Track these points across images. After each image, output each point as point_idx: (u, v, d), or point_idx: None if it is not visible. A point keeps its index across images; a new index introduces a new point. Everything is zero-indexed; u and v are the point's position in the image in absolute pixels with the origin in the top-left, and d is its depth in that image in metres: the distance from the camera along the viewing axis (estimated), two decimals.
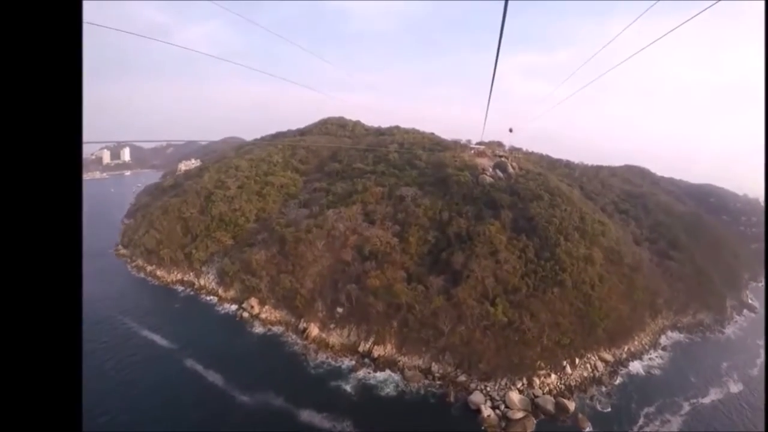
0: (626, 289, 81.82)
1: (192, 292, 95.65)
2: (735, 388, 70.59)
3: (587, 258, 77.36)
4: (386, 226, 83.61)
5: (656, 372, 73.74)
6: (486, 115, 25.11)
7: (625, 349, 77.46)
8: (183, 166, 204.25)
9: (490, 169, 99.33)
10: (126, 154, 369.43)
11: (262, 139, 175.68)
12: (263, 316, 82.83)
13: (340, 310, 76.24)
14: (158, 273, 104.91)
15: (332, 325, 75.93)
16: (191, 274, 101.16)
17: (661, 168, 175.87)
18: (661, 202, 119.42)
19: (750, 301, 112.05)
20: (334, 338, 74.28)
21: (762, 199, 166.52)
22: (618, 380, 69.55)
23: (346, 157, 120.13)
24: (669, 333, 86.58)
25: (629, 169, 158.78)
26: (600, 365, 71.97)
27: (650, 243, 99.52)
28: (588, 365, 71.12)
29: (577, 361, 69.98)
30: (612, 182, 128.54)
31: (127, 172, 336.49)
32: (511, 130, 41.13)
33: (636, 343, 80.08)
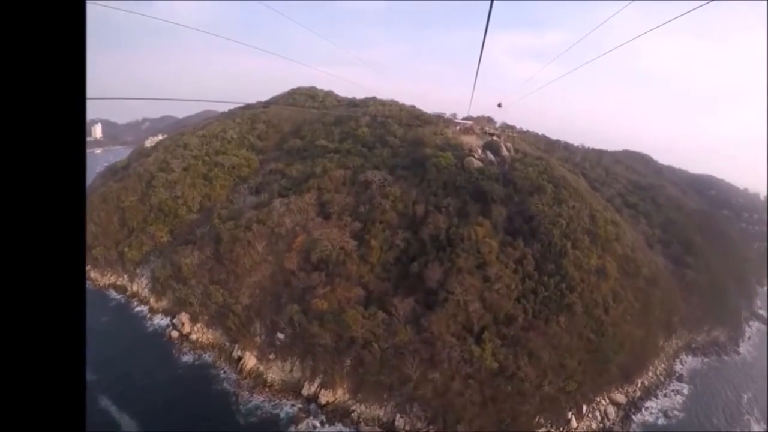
0: (642, 307, 63.14)
1: (124, 300, 77.37)
2: (757, 428, 58.85)
3: (600, 271, 57.57)
4: (344, 222, 61.75)
5: (675, 414, 58.28)
6: (474, 84, 19.38)
7: (639, 385, 60.66)
8: (149, 143, 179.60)
9: (479, 151, 76.64)
10: (98, 131, 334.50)
11: (230, 112, 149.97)
12: (194, 336, 63.69)
13: (281, 336, 55.82)
14: (92, 275, 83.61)
15: (272, 356, 56.22)
16: (125, 277, 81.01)
17: (657, 155, 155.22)
18: (672, 196, 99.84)
19: (759, 311, 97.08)
20: (274, 373, 55.02)
21: (762, 194, 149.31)
22: (632, 429, 53.47)
23: (310, 132, 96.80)
24: (684, 357, 71.19)
25: (631, 155, 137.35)
26: (611, 410, 54.56)
27: (663, 246, 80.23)
28: (597, 412, 53.51)
29: (584, 408, 51.68)
30: (616, 170, 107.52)
31: (98, 150, 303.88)
32: (500, 105, 24.79)
33: (650, 374, 63.89)
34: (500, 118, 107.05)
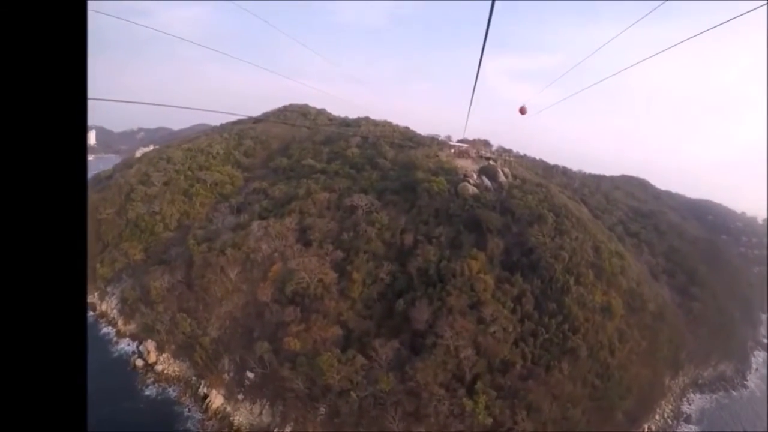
0: (649, 345, 57.60)
1: (92, 319, 70.67)
2: None
3: (605, 308, 52.11)
4: (325, 250, 56.07)
5: None
6: (470, 106, 17.35)
7: (646, 430, 55.24)
8: (139, 153, 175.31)
9: (474, 176, 71.25)
10: (92, 137, 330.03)
11: (221, 126, 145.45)
12: (159, 367, 57.63)
13: (251, 375, 49.76)
14: None
15: (240, 396, 50.14)
16: (95, 294, 74.49)
17: (653, 178, 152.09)
18: (673, 223, 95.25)
19: (763, 339, 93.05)
20: (242, 415, 48.90)
21: (760, 218, 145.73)
22: None
23: (298, 150, 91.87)
24: (691, 395, 66.93)
25: (629, 180, 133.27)
26: None
27: (668, 276, 75.12)
28: None
29: None
30: (616, 196, 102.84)
31: (91, 157, 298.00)
32: (523, 111, 19.44)
33: (657, 417, 58.94)
34: (497, 141, 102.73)
